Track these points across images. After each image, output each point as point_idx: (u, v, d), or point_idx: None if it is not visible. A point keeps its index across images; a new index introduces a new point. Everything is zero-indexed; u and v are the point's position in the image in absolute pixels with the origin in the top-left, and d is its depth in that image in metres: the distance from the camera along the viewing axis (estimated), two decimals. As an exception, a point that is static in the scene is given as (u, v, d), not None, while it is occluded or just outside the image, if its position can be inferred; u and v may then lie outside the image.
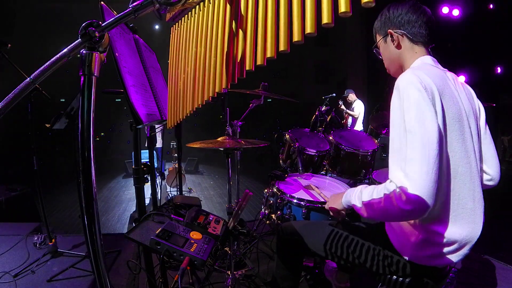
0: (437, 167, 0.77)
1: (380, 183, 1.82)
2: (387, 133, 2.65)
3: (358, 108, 5.57)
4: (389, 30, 1.06)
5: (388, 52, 1.10)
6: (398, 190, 0.78)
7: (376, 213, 0.87)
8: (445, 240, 0.90)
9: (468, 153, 0.91)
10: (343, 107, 5.64)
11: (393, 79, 1.10)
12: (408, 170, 0.78)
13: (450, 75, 1.02)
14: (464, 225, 0.90)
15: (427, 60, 1.01)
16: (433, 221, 0.90)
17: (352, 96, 5.71)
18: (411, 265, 0.97)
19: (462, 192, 0.90)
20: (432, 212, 0.87)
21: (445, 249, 0.91)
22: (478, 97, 1.09)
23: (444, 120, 0.85)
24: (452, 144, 0.89)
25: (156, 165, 4.04)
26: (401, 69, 1.09)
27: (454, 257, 0.92)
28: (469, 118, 0.96)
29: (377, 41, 1.13)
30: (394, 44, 1.06)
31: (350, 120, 5.71)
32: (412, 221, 0.96)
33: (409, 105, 0.82)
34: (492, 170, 1.08)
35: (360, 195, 0.94)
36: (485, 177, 1.09)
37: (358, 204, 0.94)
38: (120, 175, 6.92)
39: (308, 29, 0.63)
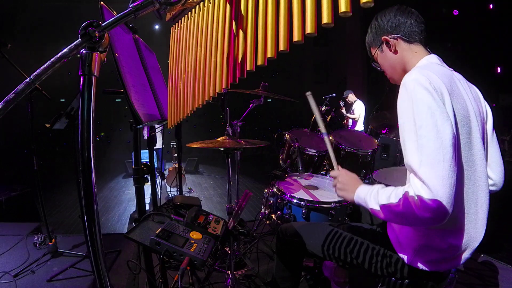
0: (453, 170, 0.74)
1: (380, 183, 1.83)
2: (387, 133, 2.65)
3: (358, 109, 5.56)
4: (383, 37, 1.04)
5: (387, 60, 1.08)
6: (416, 197, 0.75)
7: (394, 217, 0.84)
8: (447, 246, 0.89)
9: (473, 157, 0.89)
10: (343, 111, 5.62)
11: (394, 80, 1.09)
12: (425, 176, 0.74)
13: (457, 75, 0.99)
14: (466, 230, 0.89)
15: (434, 59, 0.99)
16: (438, 227, 0.89)
17: (352, 97, 5.70)
18: (410, 268, 0.96)
19: (466, 197, 0.88)
20: None
21: (447, 255, 0.90)
22: None
23: (455, 121, 0.82)
24: (459, 147, 0.86)
25: (156, 165, 4.04)
26: (404, 73, 1.07)
27: (455, 262, 0.92)
28: (477, 120, 0.94)
29: (373, 54, 1.11)
30: (391, 50, 1.04)
31: (350, 120, 5.71)
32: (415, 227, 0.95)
33: (420, 108, 0.79)
34: (495, 175, 1.05)
35: (376, 196, 0.87)
36: (488, 181, 1.04)
37: (375, 206, 0.87)
38: (120, 175, 6.91)
39: (308, 29, 0.63)
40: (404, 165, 0.86)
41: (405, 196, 0.78)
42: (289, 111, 9.89)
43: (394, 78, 1.11)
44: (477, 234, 0.90)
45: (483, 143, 0.95)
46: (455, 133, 0.79)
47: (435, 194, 0.72)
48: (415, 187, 0.76)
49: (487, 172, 1.00)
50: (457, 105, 0.85)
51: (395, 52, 1.05)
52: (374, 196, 0.89)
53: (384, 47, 1.06)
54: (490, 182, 1.06)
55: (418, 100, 0.80)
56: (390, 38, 1.03)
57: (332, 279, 1.63)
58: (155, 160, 2.71)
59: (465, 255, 0.91)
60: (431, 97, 0.79)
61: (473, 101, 0.97)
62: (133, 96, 1.22)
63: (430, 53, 1.03)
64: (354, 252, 1.07)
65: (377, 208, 0.86)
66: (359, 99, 5.70)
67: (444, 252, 0.90)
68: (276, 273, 1.34)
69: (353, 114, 5.59)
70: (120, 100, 8.70)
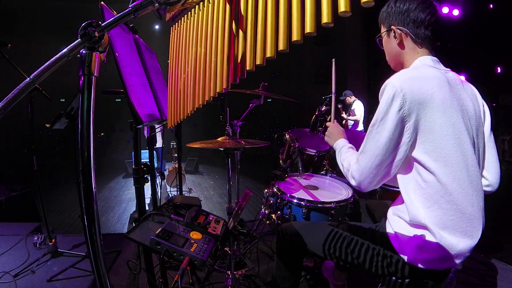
0: (377, 163, 0.91)
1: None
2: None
3: (359, 109, 5.53)
4: (392, 27, 1.02)
5: (390, 47, 1.08)
6: (350, 170, 0.99)
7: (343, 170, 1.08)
8: (446, 245, 0.90)
9: (465, 157, 0.89)
10: (343, 115, 5.59)
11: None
12: (359, 158, 0.96)
13: (451, 75, 0.99)
14: (465, 230, 0.90)
15: (426, 61, 0.99)
16: (434, 226, 0.90)
17: (349, 98, 5.68)
18: (410, 267, 0.97)
19: (460, 197, 0.89)
20: (432, 218, 0.90)
21: (446, 254, 0.91)
22: None
23: (416, 129, 0.89)
24: (446, 149, 0.88)
25: (156, 165, 4.04)
26: (401, 65, 1.08)
27: (455, 261, 0.92)
28: (470, 121, 0.95)
29: (381, 32, 1.10)
30: (396, 41, 1.03)
31: (350, 122, 5.67)
32: (414, 225, 0.96)
33: (381, 106, 0.91)
34: (491, 176, 1.06)
35: (339, 153, 1.13)
36: (484, 182, 1.06)
37: (337, 156, 1.13)
38: (120, 175, 6.91)
39: (308, 28, 0.63)
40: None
41: (348, 164, 1.02)
42: (289, 111, 9.88)
43: (391, 64, 1.13)
44: (475, 233, 0.91)
45: (474, 143, 0.95)
46: (402, 140, 0.90)
47: (357, 174, 0.96)
48: (353, 164, 0.98)
49: (480, 171, 1.00)
50: (438, 110, 0.88)
51: (401, 45, 1.03)
52: (339, 151, 1.14)
53: (391, 34, 1.04)
54: (486, 182, 1.06)
55: (382, 102, 0.91)
56: (399, 30, 1.01)
57: (331, 281, 1.63)
58: (155, 160, 2.71)
59: (465, 254, 0.91)
60: (393, 105, 0.88)
61: (468, 101, 0.97)
62: (133, 96, 1.22)
63: (432, 53, 1.03)
64: (355, 252, 1.07)
65: (337, 157, 1.13)
66: (358, 99, 5.67)
67: (444, 251, 0.90)
68: (276, 273, 1.34)
69: (354, 115, 5.57)
70: (120, 100, 8.70)
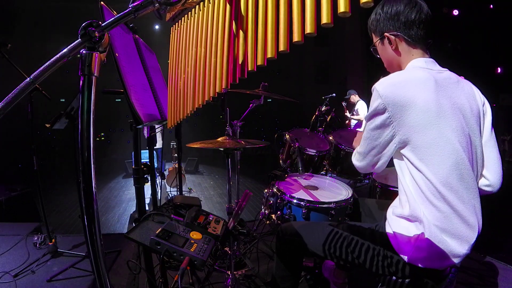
0: (367, 152, 1.04)
1: (380, 183, 1.83)
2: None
3: (363, 109, 5.51)
4: (385, 34, 1.04)
5: (386, 54, 1.10)
6: (354, 153, 1.14)
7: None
8: (443, 243, 0.90)
9: (456, 156, 0.90)
10: (347, 114, 5.59)
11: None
12: (359, 146, 1.08)
13: (444, 75, 0.99)
14: (459, 227, 0.90)
15: (418, 63, 1.01)
16: (431, 225, 0.91)
17: (354, 97, 5.67)
18: (410, 266, 0.97)
19: (451, 196, 0.89)
20: (428, 215, 0.92)
21: (445, 253, 0.91)
22: None
23: (400, 130, 0.93)
24: (431, 148, 0.89)
25: (156, 165, 4.04)
26: (399, 68, 1.09)
27: (454, 259, 0.92)
28: (465, 119, 0.95)
29: (374, 41, 1.12)
30: (392, 47, 1.05)
31: (353, 121, 5.66)
32: (412, 220, 0.96)
33: (369, 109, 0.99)
34: (492, 176, 1.03)
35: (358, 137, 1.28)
36: (484, 182, 1.05)
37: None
38: (120, 175, 6.92)
39: (308, 29, 0.64)
40: None
41: (355, 148, 1.15)
42: (289, 111, 9.89)
43: (389, 70, 1.14)
44: (470, 231, 0.91)
45: (469, 141, 0.95)
46: (391, 136, 0.96)
47: (355, 159, 1.12)
48: (357, 148, 1.10)
49: (479, 171, 1.00)
50: (420, 109, 0.90)
51: (396, 51, 1.05)
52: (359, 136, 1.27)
53: (385, 41, 1.06)
54: (486, 182, 1.05)
55: (370, 105, 0.99)
56: (393, 36, 1.02)
57: (331, 280, 1.63)
58: (155, 160, 2.72)
59: (464, 252, 0.91)
60: (378, 109, 0.95)
61: (463, 99, 0.98)
62: (133, 96, 1.22)
63: (427, 56, 1.03)
64: (356, 252, 1.07)
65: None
66: (362, 99, 5.66)
67: (441, 250, 0.90)
68: (276, 272, 1.34)
69: (358, 115, 5.56)
70: (120, 100, 8.70)
